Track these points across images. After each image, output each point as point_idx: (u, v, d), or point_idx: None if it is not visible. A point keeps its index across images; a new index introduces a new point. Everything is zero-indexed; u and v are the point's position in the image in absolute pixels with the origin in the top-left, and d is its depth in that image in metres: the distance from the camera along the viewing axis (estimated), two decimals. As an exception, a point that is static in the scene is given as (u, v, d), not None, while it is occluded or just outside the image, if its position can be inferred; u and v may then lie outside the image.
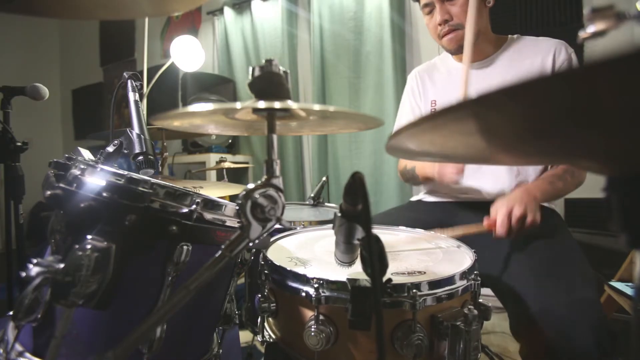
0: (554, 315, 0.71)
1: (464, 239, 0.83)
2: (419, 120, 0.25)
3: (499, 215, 0.85)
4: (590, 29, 0.39)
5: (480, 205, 1.10)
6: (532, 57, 1.04)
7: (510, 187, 1.06)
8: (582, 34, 0.40)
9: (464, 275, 0.62)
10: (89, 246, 0.53)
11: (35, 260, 0.53)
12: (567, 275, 0.77)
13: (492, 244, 0.89)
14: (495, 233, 0.85)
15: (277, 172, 0.48)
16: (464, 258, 0.73)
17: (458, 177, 0.95)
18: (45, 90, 1.36)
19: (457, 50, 1.08)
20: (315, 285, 0.57)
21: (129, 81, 0.91)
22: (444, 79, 1.20)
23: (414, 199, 1.33)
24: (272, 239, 0.84)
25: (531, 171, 1.05)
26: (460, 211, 1.11)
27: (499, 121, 0.23)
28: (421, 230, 0.93)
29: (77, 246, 0.53)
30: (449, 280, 0.59)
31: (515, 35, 1.10)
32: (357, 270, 0.54)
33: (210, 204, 0.64)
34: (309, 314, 0.59)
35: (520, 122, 0.23)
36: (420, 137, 0.30)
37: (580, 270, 0.80)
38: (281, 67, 0.49)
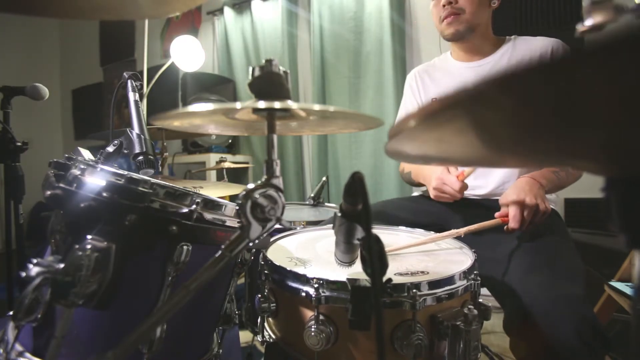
0: (540, 310, 0.71)
1: (464, 240, 0.82)
2: (410, 116, 0.24)
3: (510, 208, 0.84)
4: (589, 22, 0.39)
5: (484, 203, 1.10)
6: (528, 55, 1.05)
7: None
8: (580, 27, 0.40)
9: (464, 275, 0.62)
10: (89, 246, 0.53)
11: (35, 260, 0.53)
12: (556, 271, 0.78)
13: (490, 244, 0.89)
14: (509, 226, 0.83)
15: (277, 172, 0.48)
16: (464, 258, 0.73)
17: (460, 194, 0.91)
18: (45, 90, 1.36)
19: (454, 37, 1.10)
20: (315, 285, 0.57)
21: (129, 81, 0.91)
22: (445, 77, 1.22)
23: (416, 193, 1.32)
24: (272, 239, 0.84)
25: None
26: (462, 207, 1.11)
27: (492, 118, 0.23)
28: (421, 230, 0.93)
29: (77, 246, 0.53)
30: (449, 280, 0.59)
31: (513, 37, 1.13)
32: (357, 270, 0.54)
33: (210, 204, 0.64)
34: (309, 314, 0.59)
35: (514, 118, 0.22)
36: (416, 139, 0.30)
37: (569, 267, 0.80)
38: (281, 67, 0.49)
